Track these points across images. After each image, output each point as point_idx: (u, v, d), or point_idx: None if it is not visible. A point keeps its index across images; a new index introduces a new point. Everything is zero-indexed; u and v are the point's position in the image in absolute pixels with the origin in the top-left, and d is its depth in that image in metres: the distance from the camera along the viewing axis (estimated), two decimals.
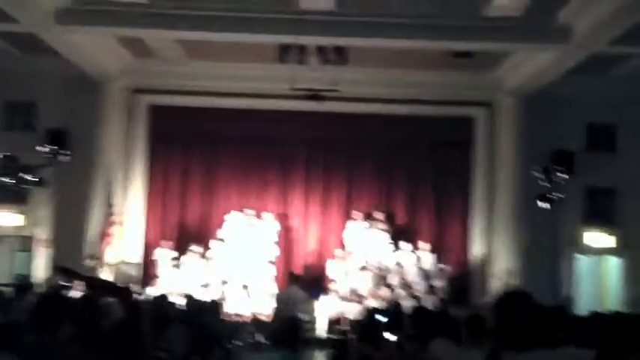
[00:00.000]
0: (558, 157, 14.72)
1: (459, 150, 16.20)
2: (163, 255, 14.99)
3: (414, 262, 15.02)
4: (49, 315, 3.97)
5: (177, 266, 14.81)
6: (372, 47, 13.53)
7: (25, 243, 15.09)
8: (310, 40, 12.95)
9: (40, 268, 14.49)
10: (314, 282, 15.11)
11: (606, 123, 15.79)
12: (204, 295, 12.75)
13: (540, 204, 14.40)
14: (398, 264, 14.92)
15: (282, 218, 15.88)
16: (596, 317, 4.40)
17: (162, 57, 14.95)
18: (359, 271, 14.78)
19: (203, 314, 9.08)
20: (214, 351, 9.16)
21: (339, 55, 13.50)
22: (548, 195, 14.41)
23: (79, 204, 14.56)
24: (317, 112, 15.45)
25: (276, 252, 15.34)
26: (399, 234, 15.63)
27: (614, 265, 15.78)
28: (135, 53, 14.96)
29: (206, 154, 16.36)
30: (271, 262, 15.20)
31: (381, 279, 14.65)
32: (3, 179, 13.34)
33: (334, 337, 12.91)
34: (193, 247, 14.97)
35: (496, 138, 15.94)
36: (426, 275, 14.82)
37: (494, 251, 15.54)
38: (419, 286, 14.54)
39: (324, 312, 14.36)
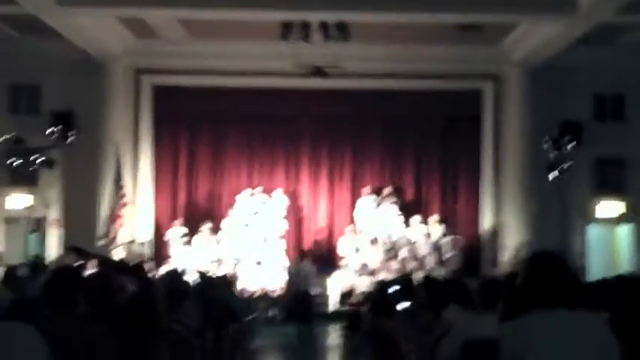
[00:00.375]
0: (566, 128, 14.67)
1: (467, 123, 16.17)
2: (174, 234, 15.09)
3: (425, 235, 15.06)
4: (63, 290, 3.99)
5: (188, 244, 14.92)
6: (375, 22, 13.44)
7: (36, 224, 15.19)
8: (313, 17, 12.87)
9: (53, 249, 14.61)
10: (324, 257, 15.21)
11: (614, 93, 15.72)
12: (217, 272, 12.83)
13: (550, 175, 14.37)
14: (408, 238, 14.97)
15: (291, 195, 15.92)
16: (605, 282, 4.41)
17: (165, 37, 14.91)
18: (369, 246, 14.84)
19: (217, 289, 9.15)
20: (228, 325, 9.24)
21: (342, 32, 13.42)
22: (557, 166, 14.38)
23: (88, 184, 14.63)
24: (322, 90, 15.45)
25: (285, 228, 15.41)
26: (409, 208, 15.66)
27: (624, 234, 15.79)
28: (137, 34, 14.92)
29: (212, 133, 16.37)
30: (282, 239, 15.27)
31: (392, 253, 14.71)
32: (11, 161, 13.40)
33: (346, 310, 13.02)
34: (204, 225, 15.06)
35: (504, 110, 15.87)
36: (436, 248, 14.87)
37: (504, 223, 15.55)
38: (429, 258, 14.59)
39: (335, 286, 14.47)
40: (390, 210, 15.42)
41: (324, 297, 14.16)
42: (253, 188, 15.60)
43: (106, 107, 15.04)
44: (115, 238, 14.52)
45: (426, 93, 15.91)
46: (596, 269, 14.66)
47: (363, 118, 16.26)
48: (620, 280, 4.13)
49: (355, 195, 15.88)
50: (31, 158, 13.50)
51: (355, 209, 15.63)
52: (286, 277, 13.40)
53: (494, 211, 15.82)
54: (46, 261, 12.28)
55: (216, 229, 15.14)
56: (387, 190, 15.67)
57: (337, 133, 16.44)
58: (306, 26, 13.34)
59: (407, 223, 15.31)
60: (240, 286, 12.72)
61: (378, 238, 14.92)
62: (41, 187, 15.01)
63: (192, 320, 6.86)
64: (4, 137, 13.33)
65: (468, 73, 15.77)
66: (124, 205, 14.83)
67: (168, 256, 14.83)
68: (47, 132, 13.98)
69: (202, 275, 9.73)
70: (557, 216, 14.84)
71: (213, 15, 12.84)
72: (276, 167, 16.36)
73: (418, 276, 11.53)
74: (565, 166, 14.32)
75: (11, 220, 15.22)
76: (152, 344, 5.22)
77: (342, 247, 15.18)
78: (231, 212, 15.36)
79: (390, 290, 9.44)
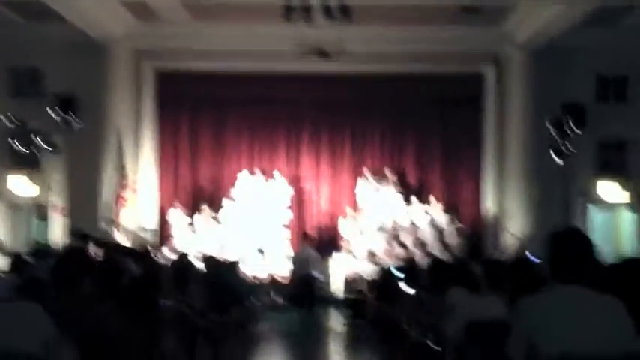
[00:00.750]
0: (569, 110, 14.58)
1: (469, 106, 16.13)
2: (177, 217, 15.13)
3: (427, 219, 15.07)
4: (71, 270, 4.02)
5: (191, 228, 14.96)
6: (377, 4, 13.35)
7: (40, 210, 15.20)
8: None
9: (57, 235, 14.63)
10: (327, 242, 15.24)
11: (616, 74, 15.65)
12: (220, 256, 12.87)
13: (553, 156, 14.35)
14: (411, 222, 14.98)
15: (293, 179, 15.94)
16: (614, 266, 4.41)
17: (166, 19, 14.85)
18: (372, 231, 14.85)
19: (221, 273, 9.19)
20: (233, 309, 9.28)
21: (344, 14, 13.36)
22: (560, 148, 14.34)
23: (91, 169, 14.63)
24: (324, 73, 15.43)
25: (289, 214, 15.43)
26: (411, 192, 15.67)
27: (627, 217, 15.77)
28: (138, 16, 14.85)
29: (214, 116, 16.37)
30: (284, 225, 15.29)
31: (395, 238, 14.72)
32: (14, 144, 13.40)
33: (351, 296, 13.05)
34: (206, 210, 15.09)
35: (506, 93, 15.82)
36: (439, 232, 14.88)
37: (506, 207, 15.55)
38: (433, 243, 14.61)
39: (338, 270, 14.50)
40: (392, 193, 15.42)
41: (326, 281, 14.21)
42: (255, 172, 15.60)
43: (108, 91, 15.02)
44: (118, 222, 14.56)
45: (427, 76, 15.83)
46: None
47: (364, 101, 16.22)
48: (630, 262, 4.13)
49: (356, 178, 15.87)
50: (34, 140, 13.49)
51: (356, 192, 15.63)
52: (290, 263, 13.44)
53: (496, 195, 15.82)
54: (50, 247, 12.30)
55: (218, 213, 15.17)
56: (387, 173, 15.65)
57: (338, 116, 16.41)
58: (307, 8, 13.28)
59: (408, 207, 15.32)
60: (243, 270, 12.73)
61: (380, 222, 14.93)
62: (44, 172, 15.01)
63: (196, 302, 6.91)
64: (5, 116, 13.31)
65: (469, 55, 15.69)
66: (127, 189, 14.85)
67: (170, 238, 14.88)
68: (50, 115, 13.92)
69: (207, 258, 9.76)
70: (559, 199, 14.81)
71: None
72: (277, 150, 16.37)
73: (422, 261, 11.54)
74: (568, 148, 14.28)
75: (14, 205, 15.24)
76: (157, 324, 5.25)
77: (344, 228, 15.21)
78: (232, 195, 15.37)
79: (395, 275, 9.48)
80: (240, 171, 15.79)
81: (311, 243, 13.49)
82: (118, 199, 14.63)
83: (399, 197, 15.43)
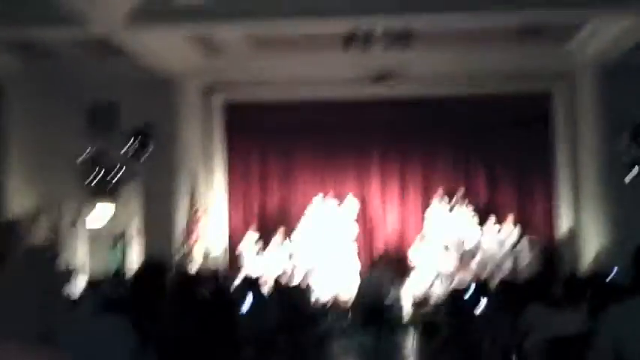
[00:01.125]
0: None
1: (539, 125, 15.83)
2: (248, 244, 15.34)
3: (499, 240, 14.79)
4: (151, 283, 4.15)
5: (261, 254, 15.13)
6: (439, 28, 13.36)
7: (117, 239, 15.67)
8: (375, 23, 12.88)
9: (133, 263, 15.02)
10: (397, 266, 15.11)
11: None
12: (290, 280, 12.94)
13: (628, 176, 13.90)
14: (482, 242, 14.73)
15: (362, 204, 15.94)
16: None
17: (232, 52, 15.23)
18: (443, 252, 14.67)
19: (292, 297, 9.24)
20: (303, 332, 9.30)
21: (404, 39, 13.42)
22: (635, 165, 13.89)
23: (165, 200, 15.01)
24: (388, 98, 15.47)
25: (356, 232, 15.40)
26: (483, 213, 15.44)
27: None
28: (205, 51, 15.28)
29: (282, 144, 16.57)
30: (353, 243, 15.29)
31: (466, 259, 14.50)
32: (94, 176, 13.92)
33: (421, 317, 12.88)
34: (276, 236, 15.25)
35: (576, 110, 15.46)
36: (512, 253, 14.57)
37: (582, 225, 15.12)
38: (505, 264, 14.31)
39: (408, 295, 14.34)
40: (464, 214, 15.23)
41: (397, 306, 14.06)
42: (325, 198, 15.71)
43: (179, 123, 15.45)
44: (191, 252, 14.84)
45: (495, 96, 15.64)
46: None
47: (431, 124, 16.12)
48: None
49: (426, 201, 15.76)
50: (112, 173, 13.99)
51: (426, 215, 15.51)
52: (359, 286, 13.37)
53: (571, 214, 15.40)
54: (127, 275, 12.65)
55: (288, 239, 15.31)
56: (459, 194, 15.50)
57: (406, 141, 16.36)
58: (368, 36, 13.42)
59: (481, 228, 15.09)
60: (313, 295, 12.76)
61: (452, 244, 14.74)
62: (121, 203, 15.49)
63: (267, 324, 6.96)
64: (85, 154, 13.85)
65: (536, 75, 15.42)
66: (199, 218, 15.16)
67: (241, 267, 15.06)
68: (125, 148, 14.42)
69: (277, 283, 9.84)
70: (637, 218, 14.28)
71: (281, 26, 13.01)
72: (347, 178, 16.38)
73: (494, 281, 11.31)
74: None
75: (94, 235, 15.76)
76: (232, 345, 5.33)
77: (414, 254, 15.06)
78: (304, 221, 15.50)
79: (467, 294, 9.32)
80: (310, 197, 15.89)
81: (382, 267, 13.38)
82: (190, 228, 14.94)
83: (472, 219, 15.22)
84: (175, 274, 9.69)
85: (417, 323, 12.92)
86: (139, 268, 4.30)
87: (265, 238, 15.48)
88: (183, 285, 5.34)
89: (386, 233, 16.15)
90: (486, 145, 16.14)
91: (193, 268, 14.18)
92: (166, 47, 14.27)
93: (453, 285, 12.63)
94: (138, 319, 3.69)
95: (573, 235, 15.24)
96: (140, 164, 14.64)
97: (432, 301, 13.61)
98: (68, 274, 8.79)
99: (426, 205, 15.72)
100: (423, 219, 15.63)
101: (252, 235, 15.53)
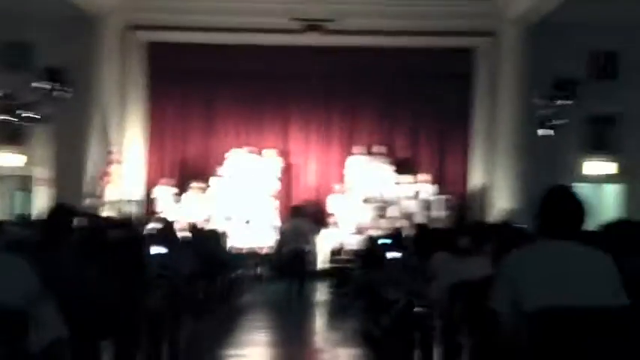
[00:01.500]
0: (560, 85, 14.55)
1: (460, 81, 16.07)
2: (164, 192, 15.07)
3: (415, 193, 15.08)
4: (58, 225, 4.00)
5: (178, 203, 14.90)
6: None
7: (24, 182, 15.11)
8: None
9: (41, 208, 14.53)
10: (315, 215, 15.20)
11: (609, 50, 15.60)
12: (207, 227, 12.83)
13: (542, 131, 14.34)
14: (399, 196, 14.99)
15: (283, 154, 15.88)
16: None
17: None
18: (360, 204, 14.85)
19: (207, 242, 9.16)
20: (218, 278, 9.26)
21: None
22: (548, 123, 14.34)
23: (77, 143, 14.52)
24: (315, 47, 15.35)
25: (277, 187, 15.39)
26: (400, 166, 15.66)
27: (614, 193, 15.82)
28: None
29: (205, 90, 16.24)
30: (273, 197, 15.26)
31: (382, 211, 14.74)
32: (2, 117, 13.26)
33: (335, 267, 13.06)
34: (194, 184, 15.04)
35: (497, 68, 15.74)
36: (426, 206, 14.91)
37: (494, 181, 15.57)
38: (420, 216, 14.63)
39: (324, 244, 14.49)
40: (382, 168, 15.41)
41: (313, 255, 14.18)
42: (243, 147, 15.54)
43: (97, 64, 14.87)
44: (102, 196, 14.48)
45: (419, 50, 15.77)
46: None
47: (356, 75, 16.13)
48: (623, 223, 4.08)
49: (346, 153, 15.85)
50: (22, 114, 13.36)
51: (346, 167, 15.61)
52: (278, 235, 13.38)
53: (484, 170, 15.82)
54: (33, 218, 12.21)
55: (206, 187, 15.12)
56: (378, 149, 15.64)
57: (329, 90, 16.33)
58: None
59: (398, 182, 15.32)
60: (229, 242, 12.70)
61: (369, 196, 14.93)
62: (30, 145, 14.89)
63: (182, 268, 6.86)
64: None
65: (461, 31, 15.60)
66: (112, 163, 14.76)
67: (157, 213, 14.81)
68: (38, 87, 13.76)
69: (192, 227, 9.72)
70: (546, 174, 14.81)
71: None
72: (267, 125, 16.28)
73: (408, 232, 11.54)
74: (558, 122, 14.26)
75: (2, 178, 15.14)
76: (142, 285, 5.22)
77: (332, 205, 15.19)
78: (221, 170, 15.31)
79: (381, 242, 9.49)
80: (230, 145, 15.71)
81: (301, 215, 13.41)
82: (104, 173, 14.55)
83: (389, 171, 15.42)
84: (84, 217, 9.43)
85: (331, 273, 13.10)
86: (47, 210, 4.14)
87: (183, 185, 15.23)
88: (91, 227, 5.17)
89: (307, 184, 16.20)
90: (408, 99, 16.29)
91: (105, 212, 13.85)
92: None
93: (369, 235, 12.81)
94: (42, 261, 3.55)
95: (485, 189, 15.68)
96: (53, 106, 14.03)
97: (347, 251, 13.81)
98: None
99: (346, 157, 15.80)
100: (343, 171, 15.73)
101: (169, 181, 15.26)
